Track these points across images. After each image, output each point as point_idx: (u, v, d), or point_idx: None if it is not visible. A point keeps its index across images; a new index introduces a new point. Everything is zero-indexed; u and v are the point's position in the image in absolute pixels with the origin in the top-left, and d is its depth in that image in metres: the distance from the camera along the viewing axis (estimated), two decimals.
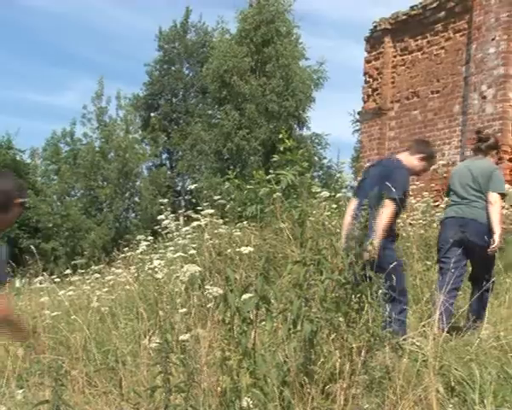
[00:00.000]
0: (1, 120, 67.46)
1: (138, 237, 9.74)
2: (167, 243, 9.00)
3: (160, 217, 9.42)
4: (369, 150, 15.92)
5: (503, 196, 6.72)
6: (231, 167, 25.48)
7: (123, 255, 9.92)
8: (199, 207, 9.10)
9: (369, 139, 16.03)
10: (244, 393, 3.80)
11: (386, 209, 5.72)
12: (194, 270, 5.41)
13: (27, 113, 64.32)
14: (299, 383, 4.04)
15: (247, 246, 5.78)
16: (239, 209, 10.33)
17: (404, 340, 4.65)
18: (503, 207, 7.53)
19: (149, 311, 6.27)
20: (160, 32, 36.40)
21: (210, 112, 33.34)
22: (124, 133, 33.84)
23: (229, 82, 28.65)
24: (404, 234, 8.57)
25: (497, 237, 6.38)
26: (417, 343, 4.57)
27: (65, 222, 30.74)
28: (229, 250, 7.62)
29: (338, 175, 12.57)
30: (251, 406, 3.74)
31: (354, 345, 4.20)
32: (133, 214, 34.37)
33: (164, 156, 37.75)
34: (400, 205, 5.82)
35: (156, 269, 6.89)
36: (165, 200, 10.18)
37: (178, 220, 10.20)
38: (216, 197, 9.47)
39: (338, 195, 9.39)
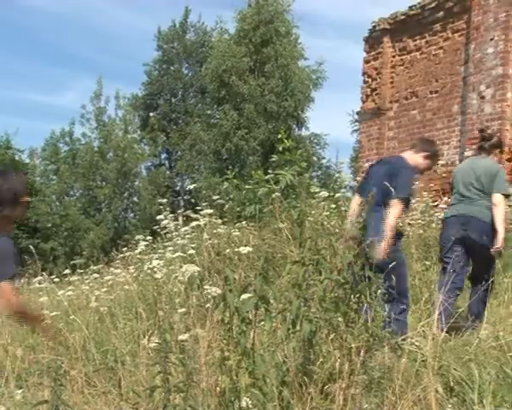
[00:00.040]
0: (0, 120, 67.46)
1: (137, 237, 9.72)
2: (166, 243, 9.00)
3: (158, 217, 9.41)
4: (368, 150, 15.93)
5: (507, 196, 6.71)
6: (230, 167, 25.50)
7: (122, 255, 9.92)
8: (198, 207, 9.10)
9: (368, 139, 16.04)
10: (243, 393, 3.80)
11: (394, 209, 5.72)
12: (193, 270, 5.41)
13: (27, 113, 64.36)
14: (299, 383, 4.03)
15: (245, 246, 5.77)
16: (238, 209, 10.33)
17: (403, 340, 4.65)
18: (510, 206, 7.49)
19: (148, 311, 6.26)
20: (158, 31, 36.44)
21: (209, 112, 33.36)
22: (123, 133, 33.86)
23: (228, 82, 28.66)
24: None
25: (500, 238, 6.38)
26: (416, 343, 4.57)
27: (64, 222, 30.73)
28: (228, 250, 7.62)
29: (337, 175, 12.59)
30: (250, 406, 3.74)
31: (353, 345, 4.19)
32: (132, 214, 34.40)
33: (163, 156, 37.81)
34: (406, 204, 5.84)
35: (155, 269, 6.89)
36: (164, 200, 10.17)
37: (177, 220, 10.19)
38: (215, 197, 9.47)
39: (337, 195, 9.39)
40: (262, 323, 4.14)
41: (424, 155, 6.25)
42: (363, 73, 16.48)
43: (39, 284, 8.28)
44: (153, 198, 30.94)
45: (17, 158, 31.74)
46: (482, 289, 6.21)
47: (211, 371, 4.11)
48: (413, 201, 6.95)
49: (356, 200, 6.35)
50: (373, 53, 16.17)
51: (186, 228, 8.85)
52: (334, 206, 9.06)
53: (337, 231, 7.62)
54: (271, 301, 4.28)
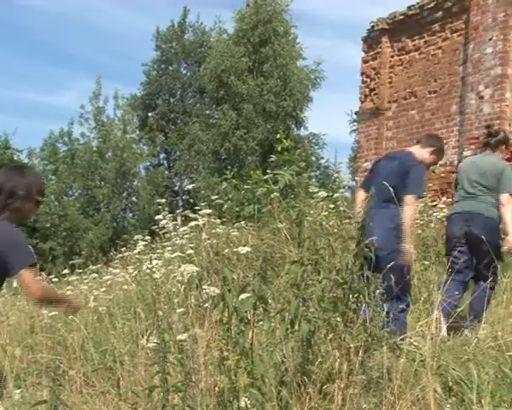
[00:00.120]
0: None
1: (136, 236, 9.73)
2: (165, 243, 9.00)
3: (157, 217, 9.41)
4: (367, 150, 15.93)
5: None
6: (229, 167, 25.51)
7: (120, 255, 9.92)
8: (196, 207, 9.09)
9: (367, 139, 16.04)
10: (242, 393, 3.80)
11: (411, 207, 5.72)
12: (192, 270, 5.41)
13: (25, 112, 64.37)
14: (297, 383, 4.03)
15: (244, 246, 5.77)
16: (236, 209, 10.33)
17: (402, 340, 4.65)
18: None
19: (147, 311, 6.26)
20: (157, 31, 36.45)
21: (207, 112, 33.36)
22: (121, 133, 33.89)
23: (227, 82, 28.67)
24: None
25: (510, 238, 6.37)
26: (415, 343, 4.57)
27: (62, 222, 30.76)
28: (226, 250, 7.62)
29: (335, 175, 12.59)
30: (249, 406, 3.74)
31: (352, 345, 4.19)
32: (131, 214, 34.42)
33: (161, 156, 37.84)
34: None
35: (154, 269, 6.89)
36: (163, 200, 10.16)
37: (176, 220, 10.19)
38: (213, 197, 9.46)
39: (335, 195, 9.38)
40: (261, 323, 4.14)
41: (430, 150, 6.24)
42: (362, 73, 16.47)
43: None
44: (151, 198, 30.96)
45: (16, 158, 31.76)
46: (488, 287, 6.18)
47: (209, 371, 4.11)
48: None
49: (361, 195, 6.34)
50: (371, 53, 16.16)
51: (185, 228, 8.85)
52: (332, 206, 9.05)
53: (336, 231, 7.62)
54: (270, 301, 4.28)
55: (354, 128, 24.45)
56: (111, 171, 32.40)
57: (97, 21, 63.68)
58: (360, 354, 4.18)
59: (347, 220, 8.32)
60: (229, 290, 3.94)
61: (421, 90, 14.73)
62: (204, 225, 8.28)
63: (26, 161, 33.34)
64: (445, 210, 9.37)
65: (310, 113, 42.58)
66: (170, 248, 8.28)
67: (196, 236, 8.50)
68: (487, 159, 6.70)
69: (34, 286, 4.07)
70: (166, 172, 35.94)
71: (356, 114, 17.29)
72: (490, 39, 12.86)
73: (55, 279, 9.94)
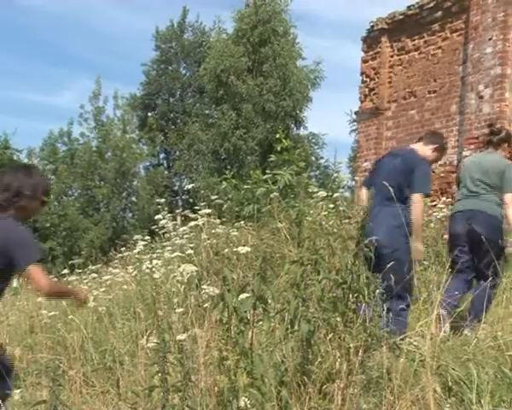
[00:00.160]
0: None
1: (135, 236, 9.73)
2: (164, 243, 9.00)
3: (157, 217, 9.40)
4: (366, 150, 15.93)
5: None
6: (228, 167, 25.49)
7: (120, 255, 9.93)
8: (196, 207, 9.09)
9: (366, 139, 16.04)
10: (241, 393, 3.80)
11: (419, 205, 5.73)
12: (192, 270, 5.42)
13: (25, 112, 64.31)
14: (297, 383, 4.04)
15: (244, 246, 5.77)
16: (236, 209, 10.33)
17: (402, 340, 4.65)
18: None
19: (147, 311, 6.27)
20: (156, 31, 36.40)
21: (207, 112, 33.31)
22: (121, 133, 33.85)
23: (226, 82, 28.65)
24: None
25: None
26: (415, 343, 4.57)
27: (62, 222, 30.74)
28: (226, 250, 7.62)
29: (335, 175, 12.58)
30: (248, 406, 3.74)
31: (351, 345, 4.20)
32: (130, 214, 34.37)
33: (161, 156, 37.76)
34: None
35: (153, 269, 6.89)
36: (163, 200, 10.14)
37: (176, 220, 10.19)
38: (213, 197, 9.45)
39: (335, 195, 9.38)
40: (260, 323, 4.14)
41: (433, 147, 6.24)
42: (361, 73, 16.47)
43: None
44: (151, 198, 30.92)
45: (15, 158, 31.73)
46: (488, 286, 6.16)
47: (209, 371, 4.12)
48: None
49: (364, 193, 6.34)
50: (371, 53, 16.17)
51: (184, 228, 8.85)
52: (332, 206, 9.05)
53: (335, 230, 7.62)
54: (270, 301, 4.29)
55: (354, 128, 24.41)
56: (110, 171, 32.38)
57: (96, 22, 63.70)
58: (360, 353, 4.19)
59: (347, 220, 8.33)
60: (228, 290, 3.94)
61: (420, 90, 14.73)
62: (204, 224, 8.28)
63: (25, 160, 33.32)
64: (444, 210, 9.37)
65: (309, 113, 42.65)
66: (169, 248, 8.27)
67: (196, 236, 8.50)
68: (490, 157, 6.67)
69: (43, 281, 4.15)
70: (166, 171, 35.91)
71: (355, 113, 17.29)
72: (489, 39, 12.87)
73: (55, 279, 9.93)
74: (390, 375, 4.13)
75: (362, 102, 16.42)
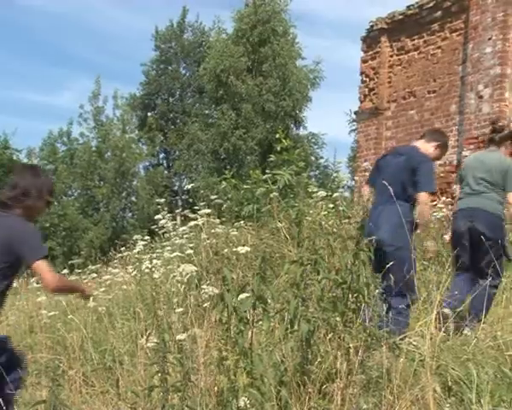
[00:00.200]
0: None
1: (135, 236, 9.73)
2: (164, 243, 9.00)
3: (156, 217, 9.40)
4: (366, 150, 15.93)
5: None
6: (228, 167, 25.49)
7: (120, 255, 9.93)
8: (196, 207, 9.09)
9: (366, 139, 16.04)
10: (241, 393, 3.80)
11: (426, 204, 5.74)
12: (191, 270, 5.42)
13: (25, 112, 64.28)
14: (297, 383, 4.04)
15: (243, 246, 5.77)
16: (236, 209, 10.33)
17: (402, 339, 4.65)
18: None
19: (146, 311, 6.26)
20: (156, 31, 36.39)
21: (207, 112, 33.31)
22: (120, 133, 33.85)
23: (226, 82, 28.65)
24: None
25: None
26: (414, 343, 4.57)
27: (62, 222, 30.73)
28: (226, 250, 7.61)
29: (334, 175, 12.56)
30: (248, 405, 3.74)
31: (351, 345, 4.20)
32: (130, 214, 34.37)
33: (161, 156, 37.74)
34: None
35: (153, 269, 6.89)
36: (162, 199, 10.15)
37: (175, 220, 10.19)
38: (213, 197, 9.45)
39: (335, 194, 9.38)
40: (260, 323, 4.14)
41: (435, 144, 6.22)
42: (361, 73, 16.47)
43: (37, 283, 8.28)
44: (151, 198, 30.92)
45: (15, 158, 31.73)
46: (489, 286, 6.15)
47: (209, 371, 4.12)
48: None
49: (367, 191, 6.34)
50: (371, 52, 16.17)
51: (184, 228, 8.85)
52: (331, 205, 9.05)
53: (335, 230, 7.62)
54: (269, 300, 4.29)
55: (353, 128, 24.39)
56: (110, 171, 32.37)
57: (96, 22, 63.63)
58: (360, 353, 4.19)
59: (346, 220, 8.32)
60: (228, 290, 3.94)
61: (420, 90, 14.73)
62: (203, 224, 8.28)
63: (25, 160, 33.31)
64: (444, 210, 9.37)
65: (309, 112, 42.60)
66: (169, 247, 8.27)
67: (196, 235, 8.50)
68: (492, 155, 6.64)
69: (50, 276, 4.21)
70: (166, 171, 35.89)
71: (355, 113, 17.29)
72: (489, 39, 12.87)
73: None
74: (390, 375, 4.13)
75: (361, 101, 16.42)
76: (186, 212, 9.62)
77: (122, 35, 65.79)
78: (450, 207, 9.40)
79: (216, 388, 4.01)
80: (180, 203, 31.38)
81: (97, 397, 4.93)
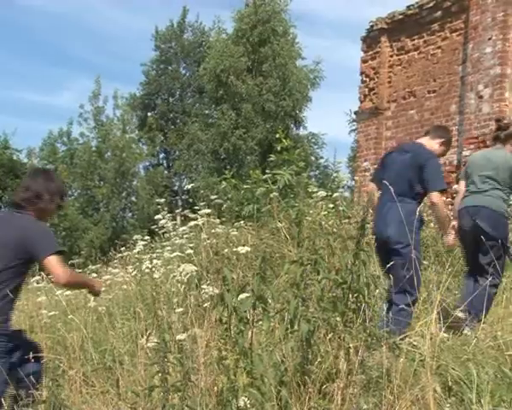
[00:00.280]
0: None
1: (135, 236, 9.73)
2: (164, 243, 9.00)
3: (156, 217, 9.41)
4: (366, 150, 15.93)
5: None
6: (228, 167, 25.49)
7: (120, 255, 9.92)
8: (196, 207, 9.09)
9: (366, 139, 16.04)
10: (241, 392, 3.80)
11: (440, 204, 5.76)
12: (191, 269, 5.42)
13: (25, 112, 64.31)
14: (297, 383, 4.04)
15: (243, 246, 5.77)
16: (236, 209, 10.33)
17: (402, 339, 4.65)
18: None
19: (146, 311, 6.26)
20: (156, 31, 36.40)
21: (207, 111, 33.31)
22: (121, 133, 33.87)
23: (226, 82, 28.65)
24: None
25: None
26: (414, 343, 4.57)
27: (62, 222, 30.68)
28: (226, 250, 7.61)
29: (335, 175, 12.55)
30: (248, 405, 3.74)
31: (351, 345, 4.20)
32: (130, 214, 34.39)
33: (161, 156, 37.80)
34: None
35: (153, 269, 6.89)
36: (162, 199, 10.15)
37: (175, 220, 10.19)
38: (213, 197, 9.45)
39: (335, 194, 9.38)
40: (260, 323, 4.14)
41: (440, 141, 6.21)
42: (361, 73, 16.47)
43: (37, 283, 8.27)
44: (151, 198, 30.94)
45: (15, 158, 31.72)
46: (489, 285, 6.13)
47: (209, 371, 4.12)
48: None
49: (373, 188, 6.33)
50: (371, 52, 16.17)
51: (184, 228, 8.85)
52: (331, 205, 9.05)
53: (335, 230, 7.62)
54: (269, 300, 4.29)
55: (353, 128, 24.39)
56: (110, 171, 32.38)
57: (96, 22, 63.68)
58: (360, 353, 4.19)
59: (346, 220, 8.33)
60: (228, 290, 3.94)
61: (420, 90, 14.73)
62: (203, 224, 8.27)
63: (25, 160, 33.33)
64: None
65: (309, 112, 42.70)
66: (169, 247, 8.28)
67: (196, 235, 8.50)
68: (498, 153, 6.60)
69: (62, 271, 4.31)
70: (166, 171, 35.92)
71: (355, 113, 17.29)
72: (489, 39, 12.86)
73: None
74: (390, 375, 4.13)
75: (361, 101, 16.42)
76: (186, 212, 9.62)
77: (122, 35, 65.89)
78: (450, 207, 9.38)
79: (216, 388, 4.01)
80: (180, 203, 31.39)
81: (97, 397, 4.93)
